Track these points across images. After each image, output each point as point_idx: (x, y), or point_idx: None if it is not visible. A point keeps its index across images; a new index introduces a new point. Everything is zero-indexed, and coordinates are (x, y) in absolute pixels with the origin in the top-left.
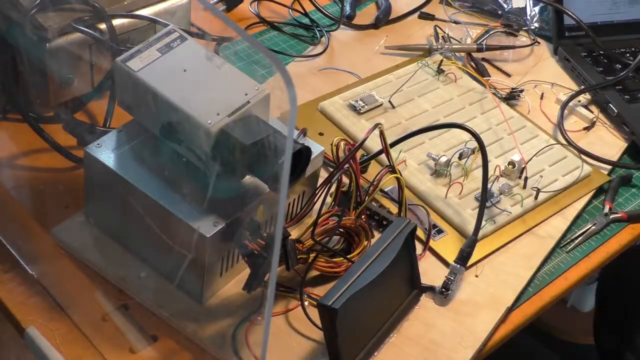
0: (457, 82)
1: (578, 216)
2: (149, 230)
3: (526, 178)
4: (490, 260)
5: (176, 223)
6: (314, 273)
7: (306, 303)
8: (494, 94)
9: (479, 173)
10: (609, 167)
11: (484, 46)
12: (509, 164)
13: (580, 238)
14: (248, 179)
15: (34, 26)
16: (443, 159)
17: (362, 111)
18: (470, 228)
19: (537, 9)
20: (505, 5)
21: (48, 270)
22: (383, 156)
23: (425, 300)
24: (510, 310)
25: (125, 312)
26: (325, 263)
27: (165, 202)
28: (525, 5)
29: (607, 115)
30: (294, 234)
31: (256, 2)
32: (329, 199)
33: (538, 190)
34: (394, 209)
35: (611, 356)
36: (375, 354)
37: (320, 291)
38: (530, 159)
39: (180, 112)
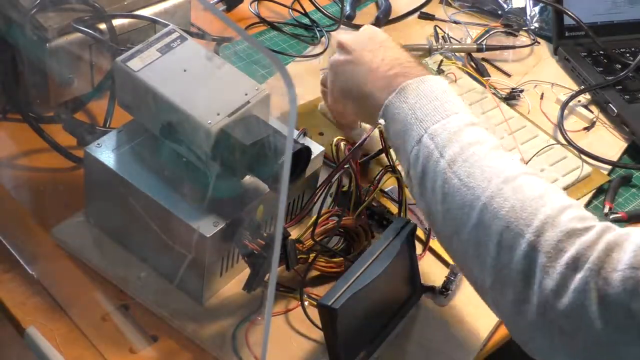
0: (457, 82)
1: None
2: (149, 230)
3: None
4: None
5: (176, 223)
6: (314, 273)
7: (306, 303)
8: (494, 94)
9: None
10: (609, 167)
11: (484, 46)
12: None
13: None
14: (248, 179)
15: (34, 26)
16: None
17: None
18: None
19: (537, 9)
20: (505, 5)
21: (48, 270)
22: (383, 156)
23: (425, 300)
24: None
25: (125, 312)
26: (325, 263)
27: (165, 202)
28: (525, 5)
29: (607, 115)
30: (294, 234)
31: (256, 2)
32: (329, 199)
33: None
34: (394, 209)
35: None
36: (375, 354)
37: (320, 291)
38: (530, 159)
39: (180, 112)
